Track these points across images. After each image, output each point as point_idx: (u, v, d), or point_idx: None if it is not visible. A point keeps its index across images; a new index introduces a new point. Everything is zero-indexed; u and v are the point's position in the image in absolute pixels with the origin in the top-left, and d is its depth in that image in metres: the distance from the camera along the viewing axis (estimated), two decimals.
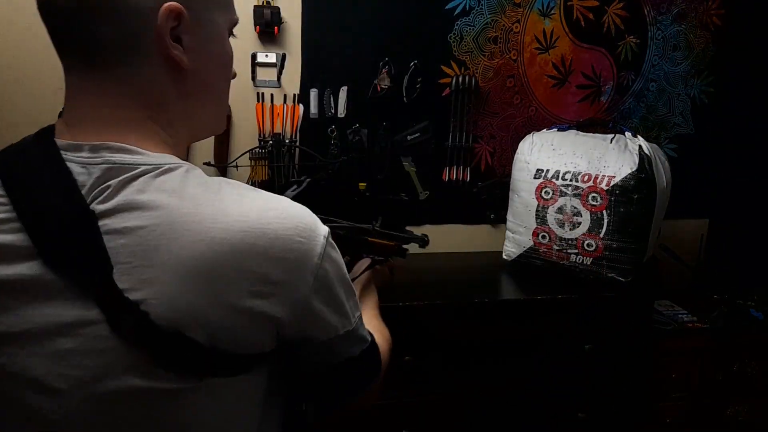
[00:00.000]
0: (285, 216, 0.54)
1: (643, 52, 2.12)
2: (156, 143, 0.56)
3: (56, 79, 1.78)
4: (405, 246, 1.15)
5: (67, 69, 0.56)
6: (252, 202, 0.53)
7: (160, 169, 0.53)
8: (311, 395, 0.70)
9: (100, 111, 0.54)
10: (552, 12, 2.02)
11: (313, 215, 0.58)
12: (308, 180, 1.04)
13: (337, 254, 0.59)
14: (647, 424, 1.86)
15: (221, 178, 0.56)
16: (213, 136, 1.86)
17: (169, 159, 0.55)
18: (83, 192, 0.51)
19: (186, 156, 0.62)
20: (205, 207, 0.51)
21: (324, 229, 0.57)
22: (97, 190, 0.51)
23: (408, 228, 1.25)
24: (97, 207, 0.50)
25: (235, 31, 0.65)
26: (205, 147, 1.87)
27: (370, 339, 0.67)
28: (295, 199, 0.92)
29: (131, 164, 0.52)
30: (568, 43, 2.06)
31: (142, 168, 0.52)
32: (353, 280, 0.96)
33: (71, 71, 0.55)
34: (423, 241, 1.19)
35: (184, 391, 0.51)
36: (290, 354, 0.60)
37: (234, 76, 0.66)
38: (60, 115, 0.58)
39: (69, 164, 0.52)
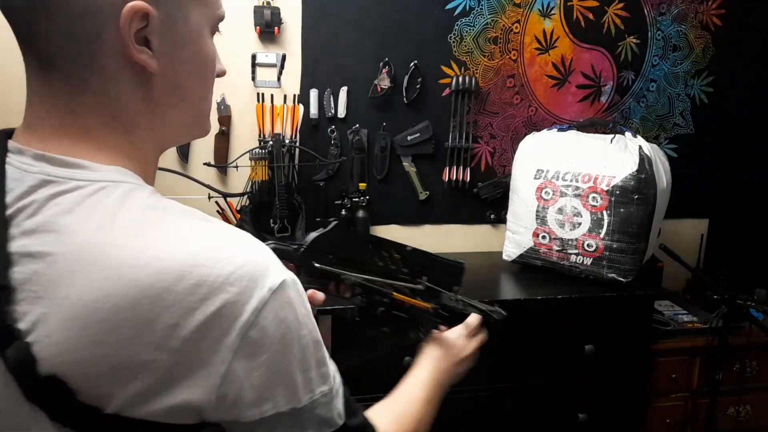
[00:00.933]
0: (222, 258, 0.45)
1: (643, 52, 2.12)
2: (112, 154, 0.50)
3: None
4: (446, 313, 0.89)
5: (26, 68, 0.51)
6: (187, 237, 0.45)
7: (96, 187, 0.46)
8: None
9: (52, 116, 0.49)
10: (552, 12, 2.02)
11: (270, 261, 0.48)
12: (335, 222, 0.85)
13: (295, 310, 0.48)
14: (647, 424, 1.86)
15: (177, 205, 0.48)
16: (213, 137, 1.86)
17: (115, 175, 0.48)
18: (7, 200, 0.45)
19: (155, 165, 0.57)
20: (129, 238, 0.43)
21: (277, 278, 0.47)
22: (22, 202, 0.45)
23: (409, 227, 1.04)
24: (20, 223, 0.45)
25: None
26: (205, 147, 1.87)
27: (341, 422, 0.53)
28: (321, 239, 0.83)
29: (66, 179, 0.46)
30: (568, 43, 2.06)
31: (76, 183, 0.46)
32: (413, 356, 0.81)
33: (28, 71, 0.50)
34: (500, 313, 0.95)
35: None
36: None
37: (222, 73, 0.60)
38: None
39: (8, 167, 0.47)
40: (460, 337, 0.89)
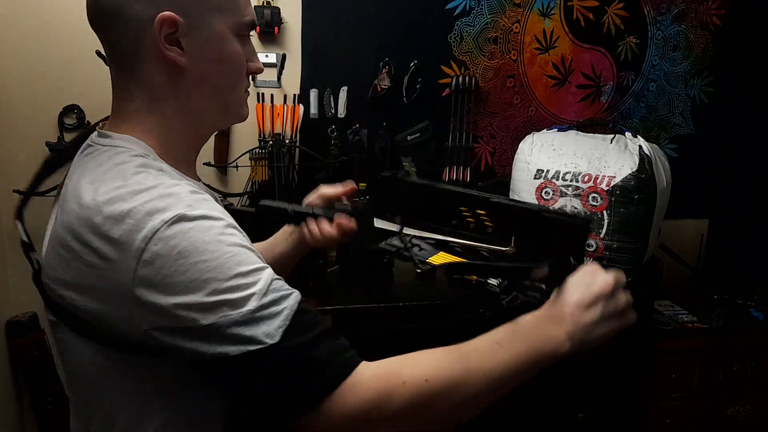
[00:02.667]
0: (133, 198, 0.56)
1: (643, 52, 2.12)
2: (146, 132, 0.65)
3: (56, 79, 1.79)
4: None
5: (109, 68, 0.67)
6: (123, 186, 0.57)
7: (103, 149, 0.63)
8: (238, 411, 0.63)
9: (117, 103, 0.67)
10: (552, 12, 2.02)
11: (176, 200, 0.56)
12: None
13: (192, 240, 0.54)
14: (647, 424, 1.86)
15: (149, 164, 0.61)
16: (213, 137, 1.86)
17: (121, 142, 0.64)
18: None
19: (188, 145, 0.70)
20: (92, 184, 0.58)
21: (170, 214, 0.54)
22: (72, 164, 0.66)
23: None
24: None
25: None
26: (205, 147, 1.86)
27: (270, 342, 0.54)
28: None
29: (98, 144, 0.64)
30: (568, 43, 2.06)
31: (95, 148, 0.64)
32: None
33: (110, 70, 0.66)
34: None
35: (56, 328, 0.62)
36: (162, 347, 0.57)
37: (258, 71, 0.72)
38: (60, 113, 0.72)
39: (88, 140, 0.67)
40: (586, 275, 0.70)
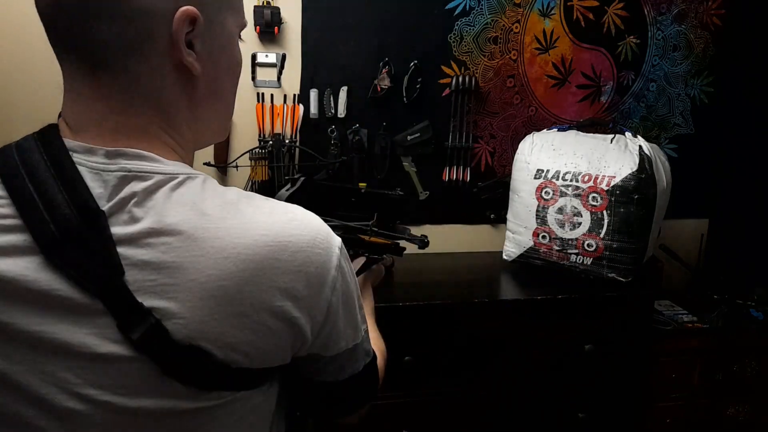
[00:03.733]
0: (304, 228, 0.53)
1: (643, 52, 2.12)
2: (166, 151, 0.53)
3: (56, 78, 1.78)
4: (402, 245, 1.13)
5: (66, 70, 0.52)
6: (270, 214, 0.52)
7: (177, 180, 0.50)
8: (311, 409, 0.69)
9: (106, 116, 0.51)
10: (552, 12, 2.02)
11: (325, 224, 0.56)
12: (303, 179, 1.02)
13: (349, 265, 0.58)
14: (647, 424, 1.86)
15: (233, 188, 0.54)
16: None
17: (183, 168, 0.52)
18: (98, 200, 0.48)
19: (192, 163, 0.60)
20: (227, 222, 0.49)
21: (337, 240, 0.56)
22: (114, 202, 0.48)
23: (407, 227, 1.23)
24: (115, 221, 0.48)
25: None
26: (205, 147, 1.86)
27: (372, 354, 0.65)
28: (290, 198, 0.92)
29: (148, 172, 0.49)
30: (568, 43, 2.06)
31: (158, 178, 0.50)
32: None
33: (72, 73, 0.52)
34: (422, 242, 1.16)
35: (203, 409, 0.50)
36: (296, 369, 0.60)
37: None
38: (60, 115, 0.56)
39: (79, 167, 0.49)
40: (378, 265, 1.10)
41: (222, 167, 1.90)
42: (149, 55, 0.50)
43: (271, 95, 1.85)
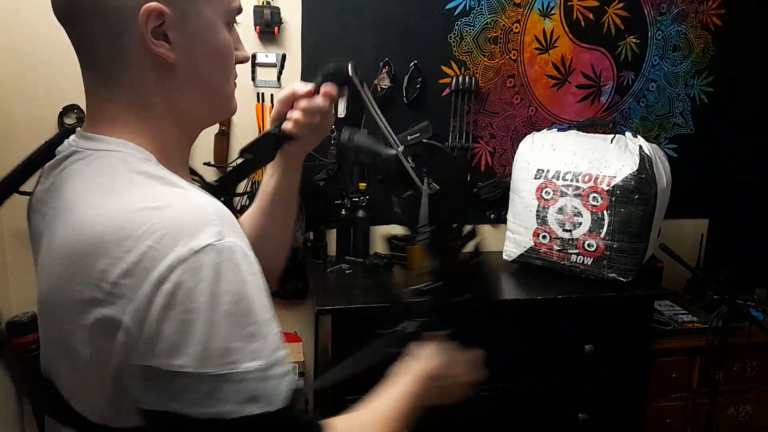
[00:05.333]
0: (155, 215, 0.48)
1: (643, 52, 2.12)
2: (134, 135, 0.57)
3: (56, 78, 1.78)
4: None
5: (81, 68, 0.59)
6: (137, 197, 0.50)
7: (98, 155, 0.55)
8: None
9: (95, 105, 0.59)
10: (552, 12, 2.02)
11: (209, 224, 0.49)
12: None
13: (218, 277, 0.48)
14: (647, 424, 1.86)
15: (159, 172, 0.54)
16: (213, 136, 1.86)
17: (117, 146, 0.56)
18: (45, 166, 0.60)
19: (180, 147, 0.62)
20: (94, 197, 0.51)
21: (203, 241, 0.48)
22: (52, 173, 0.59)
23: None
24: (44, 180, 0.59)
25: None
26: (205, 147, 1.86)
27: (273, 408, 0.50)
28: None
29: (85, 149, 0.57)
30: (568, 43, 2.06)
31: (89, 152, 0.56)
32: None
33: (82, 68, 0.59)
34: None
35: None
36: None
37: (245, 59, 0.66)
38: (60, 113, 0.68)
39: (66, 142, 0.60)
40: (458, 363, 0.80)
41: (222, 167, 1.90)
42: (125, 48, 0.55)
43: (271, 95, 1.85)
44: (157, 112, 0.59)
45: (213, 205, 0.52)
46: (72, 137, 0.59)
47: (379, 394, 0.70)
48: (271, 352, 0.51)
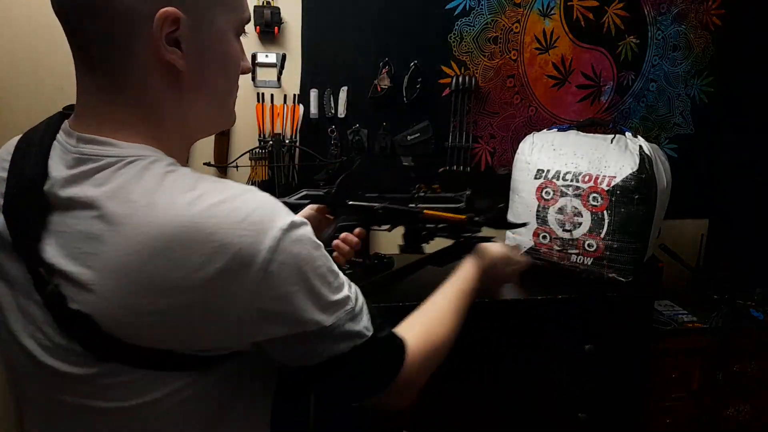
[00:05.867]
0: (231, 210, 0.51)
1: (643, 52, 2.12)
2: (144, 141, 0.57)
3: (56, 77, 1.78)
4: (477, 218, 0.94)
5: (75, 65, 0.58)
6: (199, 197, 0.52)
7: (123, 162, 0.54)
8: (303, 395, 0.70)
9: (96, 108, 0.57)
10: (552, 12, 2.02)
11: (277, 207, 0.55)
12: (359, 161, 1.02)
13: (307, 245, 0.55)
14: (647, 424, 1.86)
15: (187, 171, 0.56)
16: (213, 136, 1.86)
17: (140, 151, 0.55)
18: (57, 176, 0.55)
19: (184, 155, 0.63)
20: (148, 203, 0.51)
21: (284, 221, 0.53)
22: (65, 177, 0.54)
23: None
24: (58, 192, 0.54)
25: None
26: (206, 147, 1.87)
27: (370, 333, 0.61)
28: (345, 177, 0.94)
29: (100, 156, 0.54)
30: (568, 43, 2.06)
31: (108, 161, 0.54)
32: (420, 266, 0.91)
33: (78, 68, 0.57)
34: (515, 224, 1.00)
35: (97, 376, 0.53)
36: (269, 355, 0.59)
37: (247, 70, 0.66)
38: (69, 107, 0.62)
39: (56, 144, 0.57)
40: (504, 254, 1.00)
41: (222, 167, 1.90)
42: (135, 51, 0.54)
43: (271, 95, 1.85)
44: (164, 119, 0.58)
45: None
46: (71, 140, 0.56)
47: (441, 291, 0.86)
48: (352, 293, 0.62)
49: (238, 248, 0.50)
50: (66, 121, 0.59)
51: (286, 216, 0.54)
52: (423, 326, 0.75)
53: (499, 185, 1.29)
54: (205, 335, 0.53)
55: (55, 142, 0.57)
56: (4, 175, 0.58)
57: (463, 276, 0.91)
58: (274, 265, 0.52)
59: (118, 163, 0.54)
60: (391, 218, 0.93)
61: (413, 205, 0.92)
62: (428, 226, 0.92)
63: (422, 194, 0.94)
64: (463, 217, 0.91)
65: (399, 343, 0.67)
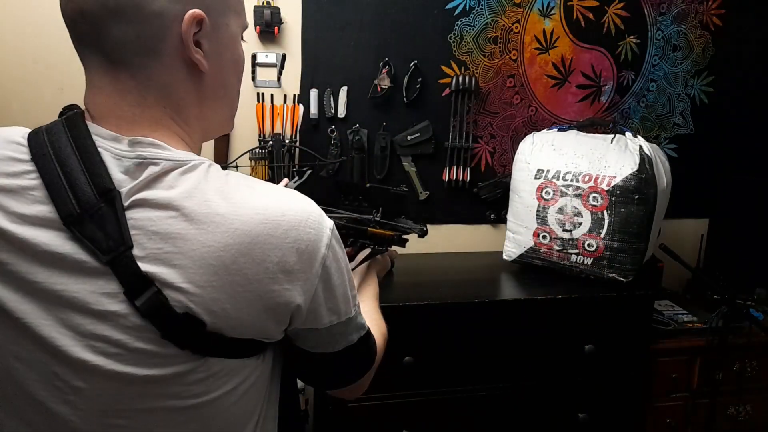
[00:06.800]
0: (297, 209, 0.57)
1: (643, 52, 2.12)
2: (176, 141, 0.60)
3: (56, 78, 1.78)
4: (405, 236, 1.16)
5: (88, 68, 0.58)
6: (266, 196, 0.57)
7: (186, 166, 0.56)
8: (310, 379, 0.76)
9: (124, 109, 0.57)
10: (552, 12, 2.02)
11: (317, 208, 0.61)
12: (309, 171, 1.06)
13: (340, 245, 0.63)
14: (647, 424, 1.86)
15: (234, 173, 0.60)
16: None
17: (191, 156, 0.58)
18: (120, 182, 0.55)
19: (200, 152, 0.65)
20: (226, 201, 0.55)
21: (329, 222, 0.61)
22: (133, 184, 0.54)
23: (409, 220, 1.23)
24: (130, 197, 0.54)
25: None
26: (205, 147, 1.86)
27: (366, 328, 0.70)
28: (297, 189, 0.96)
29: (160, 159, 0.56)
30: (568, 43, 2.06)
31: (168, 164, 0.55)
32: (353, 269, 1.03)
33: (94, 70, 0.58)
34: (422, 230, 1.19)
35: (192, 372, 0.55)
36: (293, 342, 0.65)
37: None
38: (60, 112, 0.61)
39: (101, 150, 0.55)
40: (384, 258, 1.16)
41: (222, 167, 1.90)
42: (162, 53, 0.56)
43: (271, 95, 1.85)
44: (188, 117, 0.61)
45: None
46: (121, 146, 0.56)
47: (367, 289, 0.98)
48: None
49: (306, 245, 0.56)
50: (90, 124, 0.58)
51: (327, 217, 0.61)
52: (373, 321, 0.82)
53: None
54: (276, 324, 0.58)
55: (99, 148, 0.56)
56: (30, 167, 0.55)
57: (374, 281, 1.04)
58: (328, 261, 0.59)
59: (181, 167, 0.56)
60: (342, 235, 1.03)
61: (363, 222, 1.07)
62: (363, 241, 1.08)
63: (377, 219, 1.07)
64: (392, 233, 1.09)
65: (372, 336, 0.74)
